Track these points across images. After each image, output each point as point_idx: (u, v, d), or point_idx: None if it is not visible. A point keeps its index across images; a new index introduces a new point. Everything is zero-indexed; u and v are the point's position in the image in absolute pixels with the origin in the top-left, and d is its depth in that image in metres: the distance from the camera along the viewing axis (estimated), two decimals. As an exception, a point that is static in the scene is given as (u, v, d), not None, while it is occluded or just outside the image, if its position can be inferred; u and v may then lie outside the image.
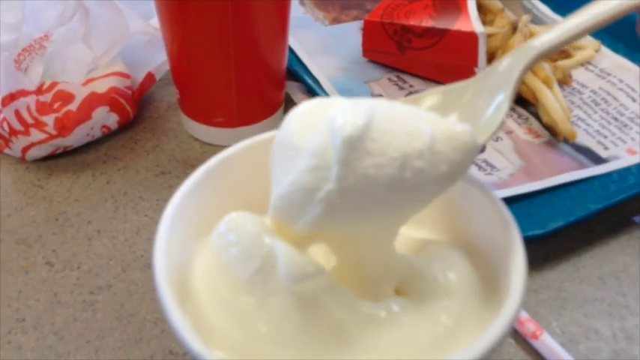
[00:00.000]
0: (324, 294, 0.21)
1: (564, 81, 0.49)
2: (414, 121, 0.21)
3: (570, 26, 0.24)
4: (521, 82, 0.24)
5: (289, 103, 0.48)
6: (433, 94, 0.26)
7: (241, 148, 0.27)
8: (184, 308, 0.21)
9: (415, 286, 0.23)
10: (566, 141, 0.44)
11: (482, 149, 0.24)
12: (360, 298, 0.22)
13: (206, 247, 0.24)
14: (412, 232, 0.27)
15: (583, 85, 0.49)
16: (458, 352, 0.20)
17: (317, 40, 0.54)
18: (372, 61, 0.52)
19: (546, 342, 0.32)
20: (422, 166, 0.20)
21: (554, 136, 0.44)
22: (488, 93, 0.24)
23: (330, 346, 0.21)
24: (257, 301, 0.21)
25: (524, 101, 0.47)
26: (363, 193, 0.20)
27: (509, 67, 0.24)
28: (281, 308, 0.21)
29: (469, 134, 0.21)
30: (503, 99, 0.24)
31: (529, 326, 0.32)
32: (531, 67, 0.24)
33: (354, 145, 0.20)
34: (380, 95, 0.48)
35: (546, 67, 0.47)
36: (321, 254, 0.24)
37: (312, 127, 0.21)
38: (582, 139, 0.44)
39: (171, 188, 0.41)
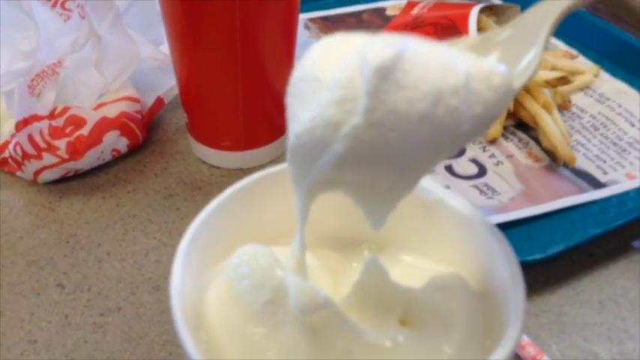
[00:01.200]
0: (332, 324, 0.22)
1: (564, 106, 0.50)
2: (449, 57, 0.20)
3: None
4: (556, 28, 0.23)
5: (294, 127, 0.49)
6: (468, 39, 0.25)
7: (254, 180, 0.28)
8: (198, 336, 0.22)
9: (418, 316, 0.24)
10: (565, 165, 0.45)
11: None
12: (366, 328, 0.23)
13: (219, 277, 0.25)
14: (415, 262, 0.28)
15: (582, 110, 0.50)
16: None
17: (322, 64, 0.55)
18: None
19: (546, 366, 0.32)
20: (456, 105, 0.19)
21: (554, 160, 0.45)
22: (524, 39, 0.23)
23: None
24: (267, 331, 0.22)
25: (524, 125, 0.48)
26: (391, 129, 0.18)
27: (543, 15, 0.23)
28: (291, 338, 0.22)
29: (506, 75, 0.20)
30: (537, 48, 0.23)
31: (529, 350, 0.33)
32: (559, 23, 0.24)
33: (385, 75, 0.18)
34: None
35: (546, 93, 0.48)
36: (329, 286, 0.25)
37: (337, 58, 0.19)
38: (582, 163, 0.45)
39: (179, 211, 0.43)
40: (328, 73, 0.19)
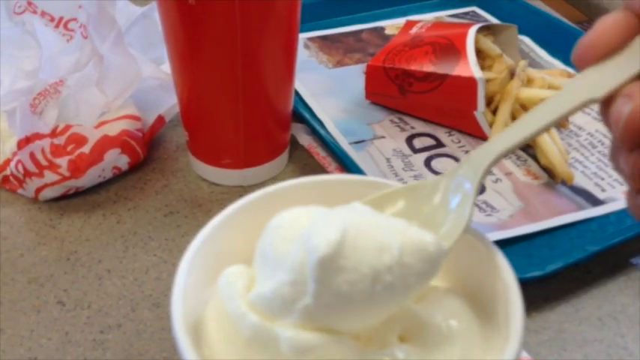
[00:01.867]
0: (329, 350, 0.23)
1: (562, 124, 0.50)
2: (383, 233, 0.23)
3: (525, 126, 0.25)
4: (480, 186, 0.26)
5: (294, 145, 0.49)
6: (397, 197, 0.27)
7: (254, 198, 0.28)
8: (201, 354, 0.23)
9: (419, 333, 0.24)
10: (564, 183, 0.45)
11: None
12: (364, 348, 0.23)
13: (217, 296, 0.25)
14: None
15: (580, 128, 0.51)
16: None
17: (321, 83, 0.56)
18: (375, 103, 0.53)
19: (546, 383, 0.32)
20: (391, 280, 0.22)
21: (553, 177, 0.46)
22: (451, 197, 0.26)
23: None
24: (263, 357, 0.23)
25: (522, 143, 0.48)
26: (337, 308, 0.22)
27: (469, 174, 0.26)
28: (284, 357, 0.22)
29: (435, 244, 0.23)
30: (466, 205, 0.25)
31: (529, 367, 0.33)
32: (489, 170, 0.26)
33: (328, 265, 0.22)
34: (382, 137, 0.50)
35: (544, 111, 0.48)
36: None
37: (290, 240, 0.23)
38: (580, 181, 0.46)
39: (180, 228, 0.43)
40: (283, 253, 0.23)
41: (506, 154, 0.25)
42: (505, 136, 0.25)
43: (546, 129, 0.25)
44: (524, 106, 0.48)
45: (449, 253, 0.24)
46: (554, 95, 0.25)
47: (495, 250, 0.26)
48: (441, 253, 0.24)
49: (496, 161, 0.25)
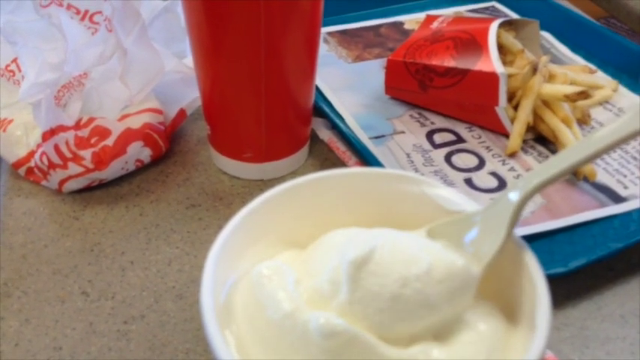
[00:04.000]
0: (353, 346, 0.23)
1: (583, 120, 0.50)
2: (415, 250, 0.25)
3: (570, 157, 0.25)
4: (517, 219, 0.26)
5: (314, 139, 0.49)
6: (441, 224, 0.28)
7: (283, 189, 0.28)
8: (229, 331, 0.24)
9: (446, 333, 0.25)
10: (586, 179, 0.45)
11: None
12: (389, 345, 0.24)
13: (246, 281, 0.26)
14: None
15: (602, 125, 0.50)
16: None
17: (341, 78, 0.56)
18: (394, 98, 0.53)
19: (569, 379, 0.32)
20: (420, 287, 0.24)
21: (575, 174, 0.45)
22: (487, 228, 0.26)
23: None
24: (288, 344, 0.23)
25: (544, 139, 0.48)
26: (369, 306, 0.24)
27: (506, 205, 0.26)
28: (311, 355, 0.23)
29: (464, 266, 0.25)
30: (498, 235, 0.26)
31: (552, 363, 0.33)
32: (527, 202, 0.26)
33: (358, 267, 0.24)
34: (402, 132, 0.50)
35: (565, 107, 0.48)
36: None
37: (331, 250, 0.27)
38: (602, 177, 0.45)
39: (201, 221, 0.43)
40: (324, 261, 0.26)
41: (550, 183, 0.25)
42: (548, 166, 0.26)
43: (595, 157, 0.25)
44: (545, 102, 0.48)
45: (481, 276, 0.25)
46: (608, 125, 0.25)
47: (523, 245, 0.26)
48: (469, 276, 0.25)
49: (541, 188, 0.26)
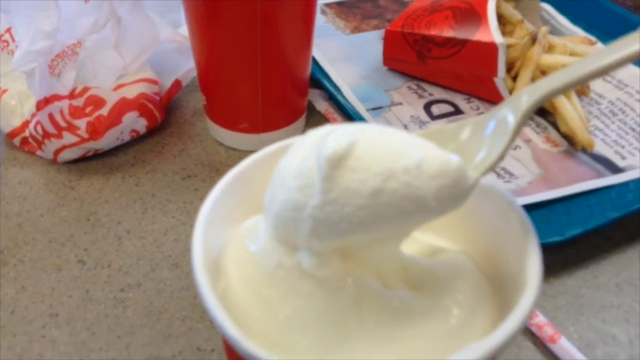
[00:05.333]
0: (340, 276, 0.22)
1: (582, 91, 0.49)
2: (405, 144, 0.22)
3: (576, 70, 0.23)
4: (524, 123, 0.24)
5: (311, 110, 0.49)
6: (431, 130, 0.26)
7: (277, 148, 0.28)
8: (217, 284, 0.23)
9: (426, 284, 0.24)
10: (584, 150, 0.45)
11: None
12: (375, 281, 0.23)
13: (238, 236, 0.25)
14: (425, 239, 0.28)
15: (601, 96, 0.50)
16: (474, 343, 0.20)
17: (338, 49, 0.55)
18: (392, 69, 0.53)
19: (564, 346, 0.32)
20: (409, 180, 0.21)
21: (573, 145, 0.45)
22: (488, 132, 0.25)
23: (348, 334, 0.22)
24: (280, 294, 0.23)
25: (542, 111, 0.48)
26: (346, 205, 0.21)
27: (512, 108, 0.24)
28: (301, 297, 0.22)
29: (460, 165, 0.22)
30: (501, 141, 0.24)
31: (547, 330, 0.33)
32: (534, 111, 0.24)
33: (336, 164, 0.21)
34: (400, 103, 0.49)
35: (565, 78, 0.47)
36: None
37: (306, 155, 0.23)
38: (600, 148, 0.45)
39: (197, 191, 0.43)
40: (297, 167, 0.23)
41: (557, 93, 0.24)
42: (558, 75, 0.24)
43: (601, 73, 0.23)
44: (544, 73, 0.48)
45: (476, 184, 0.23)
46: (614, 42, 0.23)
47: (514, 205, 0.25)
48: (465, 176, 0.22)
49: (545, 99, 0.24)
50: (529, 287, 0.21)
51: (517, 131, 0.24)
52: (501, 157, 0.24)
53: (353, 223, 0.21)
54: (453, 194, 0.22)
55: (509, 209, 0.25)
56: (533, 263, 0.22)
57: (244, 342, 0.20)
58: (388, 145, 0.22)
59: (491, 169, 0.24)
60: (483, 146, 0.24)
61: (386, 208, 0.21)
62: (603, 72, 0.23)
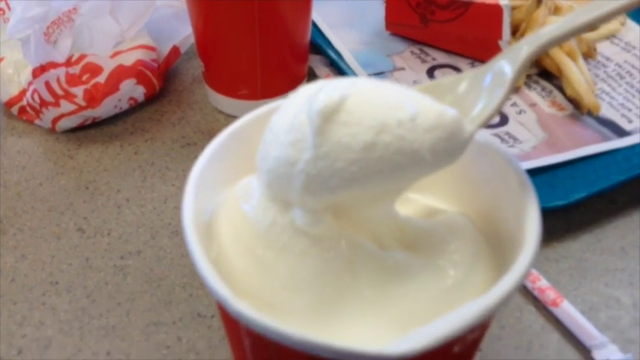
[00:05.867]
0: (333, 234, 0.22)
1: (589, 54, 0.48)
2: (399, 97, 0.22)
3: (575, 18, 0.23)
4: (520, 75, 0.24)
5: (312, 76, 0.48)
6: (427, 85, 0.26)
7: (271, 108, 0.27)
8: (209, 247, 0.23)
9: (422, 244, 0.24)
10: (590, 114, 0.44)
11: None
12: (370, 241, 0.23)
13: (231, 197, 0.25)
14: (422, 200, 0.27)
15: (608, 59, 0.49)
16: (471, 301, 0.20)
17: (339, 14, 0.54)
18: (395, 34, 0.52)
19: (566, 309, 0.32)
20: (402, 133, 0.21)
21: (578, 109, 0.44)
22: (486, 84, 0.24)
23: (342, 294, 0.22)
24: (275, 254, 0.22)
25: (548, 74, 0.47)
26: (337, 160, 0.21)
27: (509, 59, 0.24)
28: (296, 257, 0.22)
29: (455, 118, 0.22)
30: (499, 92, 0.23)
31: (549, 294, 0.33)
32: (532, 60, 0.24)
33: (327, 117, 0.21)
34: (402, 68, 0.49)
35: (571, 40, 0.46)
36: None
37: (298, 110, 0.22)
38: (606, 112, 0.44)
39: (197, 159, 0.42)
40: (288, 122, 0.22)
41: (556, 42, 0.23)
42: (555, 25, 0.23)
43: (601, 20, 0.23)
44: (550, 35, 0.47)
45: (472, 138, 0.23)
46: None
47: (512, 162, 0.24)
48: (461, 131, 0.22)
49: (544, 48, 0.23)
50: (527, 245, 0.21)
51: (514, 82, 0.23)
52: (498, 109, 0.23)
53: (345, 178, 0.21)
54: (448, 148, 0.22)
55: (506, 167, 0.25)
56: (532, 220, 0.22)
57: (234, 302, 0.20)
58: (381, 98, 0.22)
59: (488, 121, 0.23)
60: (480, 98, 0.24)
61: (379, 162, 0.21)
62: (604, 19, 0.22)
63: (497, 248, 0.24)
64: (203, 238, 0.23)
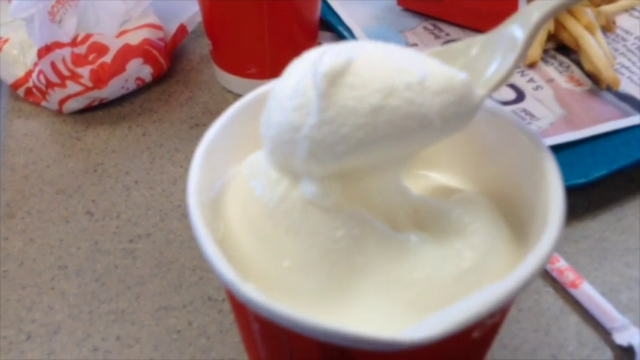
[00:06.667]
0: (347, 218, 0.21)
1: (608, 27, 0.47)
2: (407, 60, 0.21)
3: None
4: (533, 38, 0.23)
5: (322, 54, 0.47)
6: (438, 50, 0.25)
7: (270, 87, 0.26)
8: (216, 227, 0.22)
9: (437, 225, 0.23)
10: (609, 89, 0.43)
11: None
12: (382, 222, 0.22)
13: (240, 174, 0.24)
14: (437, 178, 0.26)
15: (627, 32, 0.47)
16: (489, 284, 0.19)
17: (350, -11, 0.53)
18: (407, 9, 0.50)
19: (586, 291, 0.31)
20: (411, 96, 0.20)
21: (597, 84, 0.43)
22: (497, 49, 0.23)
23: (352, 276, 0.21)
24: (282, 230, 0.21)
25: (565, 48, 0.46)
26: (343, 124, 0.20)
27: (520, 23, 0.23)
28: (306, 233, 0.21)
29: (465, 81, 0.21)
30: (511, 56, 0.22)
31: (568, 275, 0.32)
32: (543, 24, 0.23)
33: (333, 80, 0.20)
34: (415, 45, 0.47)
35: (589, 13, 0.45)
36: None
37: (298, 74, 0.22)
38: (626, 86, 0.43)
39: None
40: (293, 86, 0.21)
41: (566, 5, 0.22)
42: None
43: None
44: (570, 11, 0.45)
45: (482, 103, 0.22)
46: None
47: (535, 137, 0.23)
48: (471, 95, 0.21)
49: (554, 11, 0.22)
50: (550, 225, 0.20)
51: (527, 46, 0.22)
52: (510, 73, 0.22)
53: (351, 143, 0.20)
54: (458, 112, 0.21)
55: (529, 143, 0.23)
56: (555, 199, 0.21)
57: (241, 286, 0.19)
58: (389, 61, 0.21)
59: (500, 85, 0.22)
60: (492, 63, 0.23)
61: (386, 127, 0.20)
62: None
63: (517, 228, 0.23)
64: (209, 218, 0.22)
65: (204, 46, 0.49)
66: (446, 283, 0.21)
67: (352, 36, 0.47)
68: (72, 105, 0.42)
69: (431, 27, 0.49)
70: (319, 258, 0.21)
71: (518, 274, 0.19)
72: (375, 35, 0.48)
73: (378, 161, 0.21)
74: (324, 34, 0.48)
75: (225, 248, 0.21)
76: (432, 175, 0.26)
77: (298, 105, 0.20)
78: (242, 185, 0.23)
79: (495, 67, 0.23)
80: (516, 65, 0.22)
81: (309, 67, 0.21)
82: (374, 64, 0.20)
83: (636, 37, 0.47)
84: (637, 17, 0.49)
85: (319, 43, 0.47)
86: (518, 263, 0.20)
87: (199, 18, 0.46)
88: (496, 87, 0.22)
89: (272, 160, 0.22)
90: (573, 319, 0.31)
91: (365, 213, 0.22)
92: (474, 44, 0.24)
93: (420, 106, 0.20)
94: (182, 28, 0.47)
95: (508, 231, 0.23)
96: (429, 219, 0.23)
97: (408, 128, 0.20)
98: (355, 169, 0.21)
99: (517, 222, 0.24)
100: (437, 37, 0.48)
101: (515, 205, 0.24)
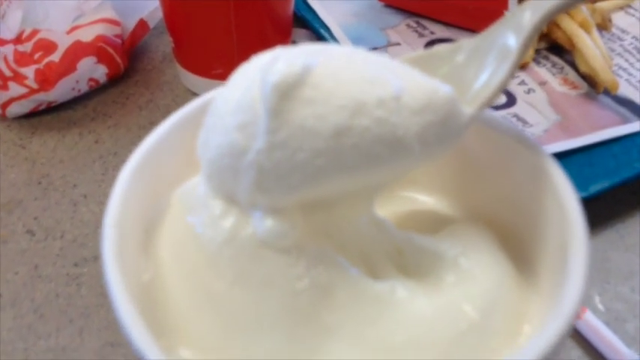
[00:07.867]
0: (310, 260, 0.17)
1: (604, 26, 0.44)
2: (379, 69, 0.18)
3: None
4: (529, 44, 0.20)
5: (297, 53, 0.43)
6: (419, 54, 0.22)
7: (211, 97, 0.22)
8: (144, 267, 0.18)
9: (427, 270, 0.19)
10: (606, 92, 0.40)
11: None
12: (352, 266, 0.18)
13: (174, 202, 0.20)
14: (424, 202, 0.22)
15: (624, 31, 0.45)
16: (491, 346, 0.15)
17: (327, -17, 0.49)
18: (389, 5, 0.48)
19: (590, 321, 0.28)
20: (384, 115, 0.17)
21: (594, 87, 0.40)
22: (487, 56, 0.20)
23: (316, 337, 0.17)
24: (229, 283, 0.17)
25: (559, 48, 0.43)
26: (300, 149, 0.16)
27: (513, 27, 0.19)
28: (258, 284, 0.17)
29: (450, 96, 0.18)
30: (503, 67, 0.19)
31: (569, 303, 0.29)
32: (541, 29, 0.20)
33: (286, 92, 0.16)
34: (397, 44, 0.44)
35: (584, 11, 0.42)
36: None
37: (243, 83, 0.18)
38: (624, 90, 0.40)
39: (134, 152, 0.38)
40: (234, 98, 0.18)
41: (565, 7, 0.19)
42: None
43: None
44: (561, 5, 0.42)
45: (471, 122, 0.18)
46: None
47: (545, 155, 0.20)
48: (457, 113, 0.18)
49: (551, 14, 0.19)
50: (573, 274, 0.16)
51: (521, 55, 0.19)
52: (503, 87, 0.19)
53: (309, 173, 0.16)
54: (441, 134, 0.17)
55: (530, 156, 0.20)
56: (575, 235, 0.17)
57: (161, 356, 0.15)
58: (358, 70, 0.17)
59: (491, 101, 0.19)
60: (481, 73, 0.19)
61: (353, 153, 0.16)
62: None
63: (519, 259, 0.20)
64: (133, 258, 0.18)
65: (167, 43, 0.45)
66: (440, 347, 0.17)
67: (330, 34, 0.44)
68: (15, 109, 0.38)
69: (414, 25, 0.46)
70: (276, 316, 0.17)
71: (534, 348, 0.15)
72: (355, 33, 0.45)
73: (343, 193, 0.17)
74: (298, 32, 0.44)
75: (152, 297, 0.17)
76: (418, 198, 0.23)
77: (242, 123, 0.17)
78: (176, 221, 0.19)
79: (485, 78, 0.19)
80: (511, 76, 0.19)
81: (257, 75, 0.17)
82: (339, 73, 0.17)
83: (633, 37, 0.44)
84: (633, 15, 0.46)
85: (293, 42, 0.43)
86: (526, 313, 0.16)
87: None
88: (487, 103, 0.19)
89: (210, 186, 0.18)
90: (576, 354, 0.28)
91: (334, 254, 0.18)
92: (459, 50, 0.21)
93: (394, 127, 0.17)
94: (142, 24, 0.43)
95: (513, 272, 0.19)
96: (416, 262, 0.19)
97: (380, 154, 0.17)
98: (317, 199, 0.17)
99: (518, 251, 0.20)
100: (421, 35, 0.45)
101: (515, 233, 0.21)
